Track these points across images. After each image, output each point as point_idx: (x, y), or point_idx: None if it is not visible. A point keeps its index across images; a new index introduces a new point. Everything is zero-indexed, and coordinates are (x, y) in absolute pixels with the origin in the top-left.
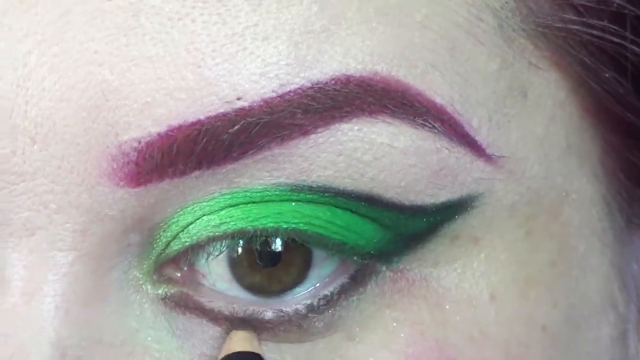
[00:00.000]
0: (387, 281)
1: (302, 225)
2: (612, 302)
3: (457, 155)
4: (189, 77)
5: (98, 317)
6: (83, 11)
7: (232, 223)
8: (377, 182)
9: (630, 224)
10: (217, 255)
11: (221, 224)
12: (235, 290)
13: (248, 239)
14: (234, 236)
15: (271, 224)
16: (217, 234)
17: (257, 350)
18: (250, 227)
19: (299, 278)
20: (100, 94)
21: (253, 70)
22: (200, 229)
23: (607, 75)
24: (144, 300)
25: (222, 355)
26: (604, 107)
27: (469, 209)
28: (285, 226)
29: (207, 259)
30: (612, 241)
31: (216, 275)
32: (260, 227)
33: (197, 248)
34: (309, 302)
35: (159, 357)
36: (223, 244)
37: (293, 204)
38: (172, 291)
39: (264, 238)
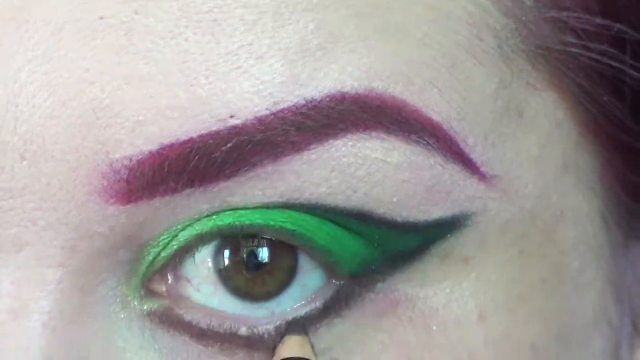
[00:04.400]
0: (372, 302)
1: (289, 224)
2: (606, 317)
3: (451, 172)
4: (181, 95)
5: (85, 335)
6: (75, 29)
7: (219, 220)
8: (370, 197)
9: (627, 237)
10: (204, 254)
11: (209, 221)
12: (219, 295)
13: (235, 240)
14: (221, 233)
15: (259, 221)
16: (204, 231)
17: (308, 356)
18: (237, 223)
19: (284, 283)
20: (90, 112)
21: (247, 89)
22: (190, 231)
23: (604, 98)
24: (131, 317)
25: None
26: (601, 127)
27: (461, 227)
28: (272, 223)
29: (194, 258)
30: (608, 256)
31: (201, 279)
32: (248, 222)
33: (184, 250)
34: (290, 317)
35: None
36: (211, 242)
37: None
38: (156, 306)
39: (251, 237)
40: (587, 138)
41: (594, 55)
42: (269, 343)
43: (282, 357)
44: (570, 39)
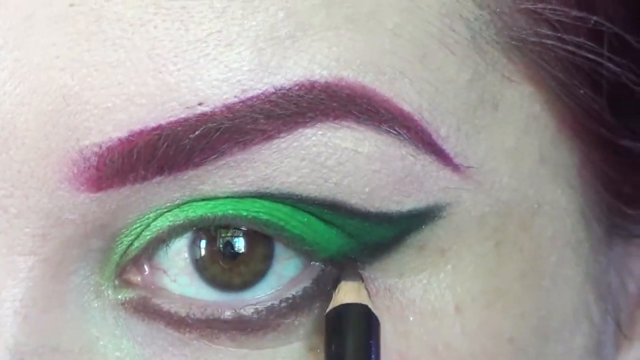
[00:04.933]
0: None
1: (262, 214)
2: (587, 313)
3: (423, 163)
4: (150, 82)
5: (57, 324)
6: (45, 16)
7: (191, 211)
8: (341, 187)
9: (609, 234)
10: (180, 244)
11: (181, 212)
12: (195, 285)
13: (209, 229)
14: (193, 225)
15: (231, 211)
16: (177, 223)
17: (364, 302)
18: (210, 214)
19: (260, 273)
20: (61, 99)
21: (215, 76)
22: (162, 222)
23: (581, 91)
24: (105, 306)
25: (330, 308)
26: (579, 121)
27: (436, 218)
28: (245, 214)
29: (168, 250)
30: (588, 252)
31: (178, 270)
32: (220, 214)
33: (158, 241)
34: (269, 303)
35: None
36: (184, 234)
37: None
38: (132, 295)
39: (224, 228)
40: (565, 132)
41: (570, 48)
42: (255, 324)
43: (340, 304)
44: (546, 31)
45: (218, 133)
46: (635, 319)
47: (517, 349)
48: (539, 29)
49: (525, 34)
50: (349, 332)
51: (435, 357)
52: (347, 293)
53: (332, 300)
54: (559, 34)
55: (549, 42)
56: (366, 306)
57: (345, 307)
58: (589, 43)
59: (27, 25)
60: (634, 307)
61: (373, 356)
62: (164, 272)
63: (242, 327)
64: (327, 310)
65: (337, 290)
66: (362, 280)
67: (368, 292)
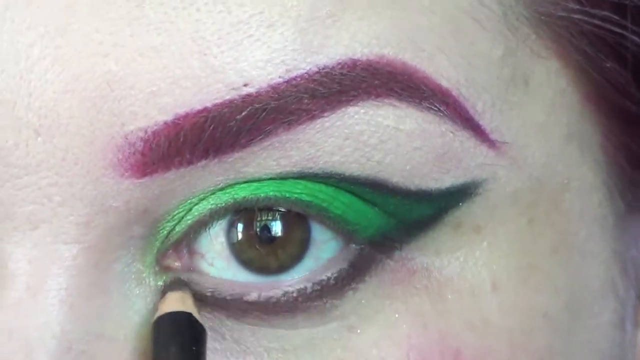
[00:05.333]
0: (388, 271)
1: (304, 196)
2: (613, 288)
3: (461, 139)
4: (194, 65)
5: (101, 311)
6: (87, 3)
7: (234, 193)
8: (383, 165)
9: (630, 209)
10: (218, 228)
11: (224, 194)
12: (232, 269)
13: (248, 214)
14: (236, 206)
15: (274, 192)
16: (219, 205)
17: (188, 310)
18: (252, 196)
19: (297, 256)
20: (105, 85)
21: (259, 57)
22: (204, 205)
23: (607, 64)
24: (146, 293)
25: (155, 317)
26: (604, 95)
27: (472, 195)
28: (288, 195)
29: (209, 232)
30: (613, 227)
31: (215, 253)
32: (263, 195)
33: (200, 225)
34: (302, 286)
35: None
36: (225, 216)
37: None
38: (169, 280)
39: (265, 210)
40: (589, 107)
41: (595, 22)
42: (283, 307)
43: (164, 312)
44: (573, 5)
45: (264, 113)
46: None
47: (551, 324)
48: (565, 3)
49: (552, 8)
50: (173, 340)
51: (475, 334)
52: (172, 302)
53: (157, 310)
54: (585, 8)
55: (575, 16)
56: (190, 314)
57: (168, 316)
58: (613, 16)
59: (69, 13)
60: None
61: None
62: (202, 256)
63: (272, 308)
64: (153, 319)
65: (162, 300)
66: (188, 290)
67: (193, 302)
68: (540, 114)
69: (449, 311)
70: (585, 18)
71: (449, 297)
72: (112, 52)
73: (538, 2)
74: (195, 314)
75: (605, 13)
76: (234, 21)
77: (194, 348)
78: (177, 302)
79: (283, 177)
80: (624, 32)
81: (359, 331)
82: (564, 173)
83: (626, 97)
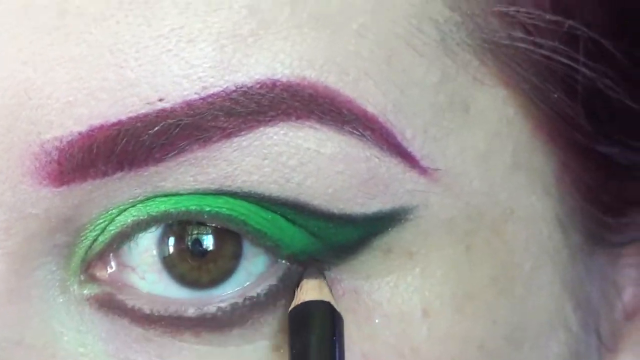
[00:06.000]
0: None
1: (225, 210)
2: (564, 322)
3: (388, 165)
4: (110, 77)
5: (20, 318)
6: (8, 9)
7: (154, 206)
8: (304, 187)
9: (589, 242)
10: (149, 242)
11: (145, 207)
12: (164, 282)
13: (177, 226)
14: (157, 220)
15: (194, 207)
16: (141, 217)
17: (327, 299)
18: (173, 210)
19: (228, 270)
20: (22, 93)
21: (176, 72)
22: (126, 216)
23: (555, 95)
24: (70, 302)
25: (292, 306)
26: (555, 126)
27: (402, 221)
28: (208, 209)
29: (137, 244)
30: (566, 260)
31: (146, 267)
32: (183, 209)
33: (123, 236)
34: (233, 301)
35: None
36: (148, 229)
37: None
38: (97, 291)
39: (189, 224)
40: (541, 138)
41: (544, 52)
42: (218, 322)
43: (302, 301)
44: (520, 34)
45: (178, 129)
46: (621, 333)
47: (487, 355)
48: (512, 32)
49: (498, 36)
50: (312, 329)
51: None
52: (309, 291)
53: (294, 299)
54: (533, 38)
55: (522, 45)
56: (329, 303)
57: (308, 305)
58: (564, 47)
59: None
60: (621, 321)
61: (337, 352)
62: (132, 269)
63: (206, 324)
64: (290, 308)
65: (299, 288)
66: (325, 278)
67: (330, 290)
68: (481, 142)
69: (375, 335)
70: (533, 48)
71: (377, 321)
72: (30, 60)
73: (482, 29)
74: (333, 303)
75: (555, 44)
76: (153, 35)
77: (334, 338)
78: (316, 290)
79: (202, 194)
80: (574, 65)
81: (282, 351)
82: (508, 202)
83: (576, 130)
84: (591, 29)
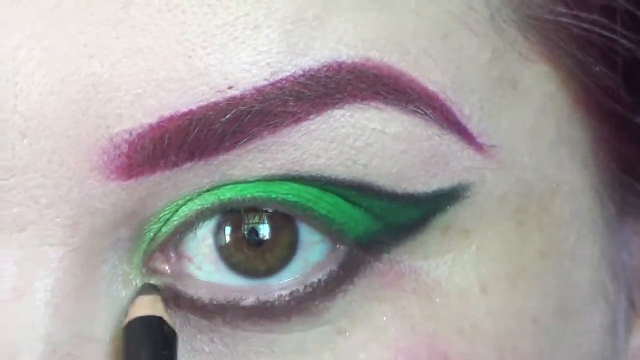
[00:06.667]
0: (377, 273)
1: (290, 196)
2: (603, 292)
3: (449, 143)
4: (179, 67)
5: (88, 313)
6: (73, 4)
7: (220, 194)
8: (370, 168)
9: (621, 213)
10: (205, 231)
11: (210, 196)
12: (221, 272)
13: (233, 216)
14: (222, 207)
15: (260, 194)
16: (205, 206)
17: (158, 314)
18: (239, 197)
19: (285, 259)
20: (90, 87)
21: (244, 59)
22: (190, 206)
23: (597, 68)
24: (133, 295)
25: (125, 322)
26: (594, 99)
27: (460, 199)
28: (274, 196)
29: (196, 235)
30: (603, 231)
31: (202, 257)
32: (249, 196)
33: (186, 226)
34: (294, 288)
35: None
36: (212, 217)
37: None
38: (158, 283)
39: (252, 212)
40: (580, 111)
41: (584, 25)
42: (277, 310)
43: (134, 317)
44: (561, 8)
45: (249, 116)
46: None
47: (540, 329)
48: (554, 7)
49: (540, 12)
50: (143, 345)
51: (463, 338)
52: (142, 306)
53: (127, 316)
54: (574, 12)
55: (563, 19)
56: (160, 318)
57: (139, 320)
58: (603, 20)
59: (55, 14)
60: None
61: None
62: (189, 259)
63: (267, 313)
64: (123, 324)
65: (132, 304)
66: (159, 293)
67: (164, 306)
68: (529, 118)
69: (437, 314)
70: (574, 22)
71: (437, 300)
72: (97, 53)
73: (526, 4)
74: (166, 317)
75: (594, 17)
76: (219, 23)
77: (164, 352)
78: (148, 306)
79: (269, 180)
80: (614, 36)
81: (347, 334)
82: (554, 177)
83: (616, 101)
84: (627, 0)
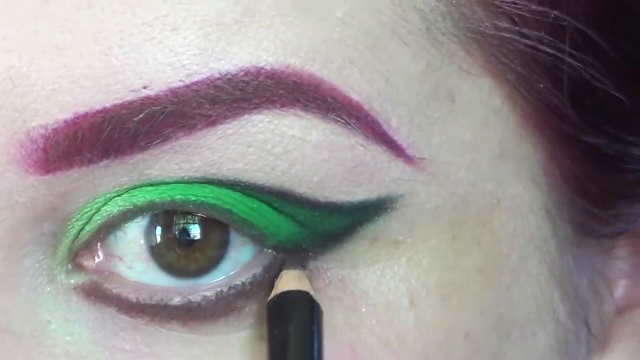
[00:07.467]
0: None
1: (210, 199)
2: (552, 312)
3: (374, 153)
4: (95, 65)
5: (8, 306)
6: None
7: (140, 196)
8: (289, 175)
9: (578, 233)
10: (136, 231)
11: (130, 197)
12: (152, 272)
13: (167, 217)
14: (143, 210)
15: (179, 196)
16: (127, 207)
17: (305, 289)
18: (158, 200)
19: (215, 259)
20: (8, 80)
21: (160, 60)
22: (112, 206)
23: (541, 85)
24: (57, 290)
25: (271, 296)
26: (541, 116)
27: (388, 210)
28: (193, 199)
29: (125, 233)
30: (554, 250)
31: (133, 256)
32: (169, 199)
33: (109, 226)
34: (219, 289)
35: (69, 349)
36: (135, 219)
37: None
38: (84, 280)
39: (175, 213)
40: (528, 128)
41: (530, 42)
42: (204, 310)
43: (281, 291)
44: (505, 24)
45: (162, 117)
46: (612, 326)
47: (473, 345)
48: (497, 22)
49: (483, 26)
50: (290, 319)
51: (388, 350)
52: (288, 281)
53: (273, 289)
54: (519, 28)
55: (508, 35)
56: (307, 293)
57: (286, 295)
58: (550, 38)
59: None
60: (612, 314)
61: (315, 343)
62: (120, 258)
63: (192, 313)
64: (269, 298)
65: (278, 279)
66: (304, 269)
67: (310, 281)
68: (467, 131)
69: (361, 324)
70: (519, 38)
71: (363, 310)
72: (16, 48)
73: (467, 19)
74: (312, 293)
75: (541, 34)
76: (137, 22)
77: (312, 328)
78: (295, 280)
79: (188, 182)
80: (560, 55)
81: (265, 341)
82: (494, 192)
83: (563, 120)
84: (577, 19)
